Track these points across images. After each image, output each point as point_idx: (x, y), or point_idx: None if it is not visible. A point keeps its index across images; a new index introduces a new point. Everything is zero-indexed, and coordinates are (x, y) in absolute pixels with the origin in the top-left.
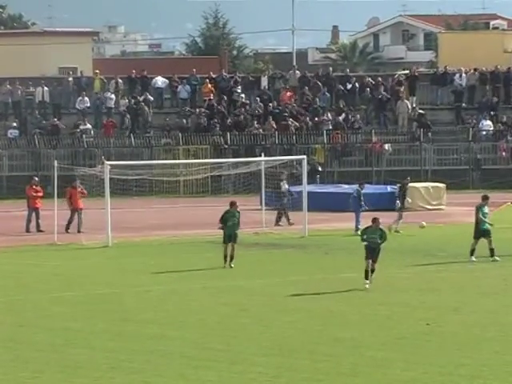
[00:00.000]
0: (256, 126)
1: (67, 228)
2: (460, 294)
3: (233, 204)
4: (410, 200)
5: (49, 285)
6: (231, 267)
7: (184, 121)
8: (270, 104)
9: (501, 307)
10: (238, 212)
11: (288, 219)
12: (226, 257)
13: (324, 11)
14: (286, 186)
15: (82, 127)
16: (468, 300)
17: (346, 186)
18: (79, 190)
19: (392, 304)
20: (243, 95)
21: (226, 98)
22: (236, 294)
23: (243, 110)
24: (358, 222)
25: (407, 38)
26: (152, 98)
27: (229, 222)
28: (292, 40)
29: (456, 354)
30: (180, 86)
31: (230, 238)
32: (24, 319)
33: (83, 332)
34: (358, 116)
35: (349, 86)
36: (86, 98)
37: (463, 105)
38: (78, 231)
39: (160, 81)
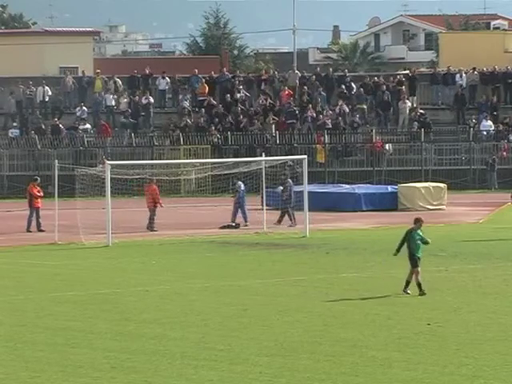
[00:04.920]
0: (257, 124)
1: (152, 225)
2: (460, 294)
3: (417, 221)
4: None
5: (49, 284)
6: (408, 293)
7: (184, 120)
8: (270, 103)
9: (501, 307)
10: (421, 230)
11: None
12: (408, 283)
13: (325, 11)
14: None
15: (81, 127)
16: (469, 300)
17: (347, 186)
18: (155, 186)
19: (393, 304)
20: (243, 95)
21: (226, 97)
22: (237, 293)
23: (243, 109)
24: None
25: (408, 38)
26: (152, 100)
27: (411, 243)
28: (293, 40)
29: (457, 354)
30: (181, 96)
31: (413, 260)
32: (24, 319)
33: (84, 332)
34: (358, 116)
35: (349, 86)
36: (84, 108)
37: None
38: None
39: (163, 83)
